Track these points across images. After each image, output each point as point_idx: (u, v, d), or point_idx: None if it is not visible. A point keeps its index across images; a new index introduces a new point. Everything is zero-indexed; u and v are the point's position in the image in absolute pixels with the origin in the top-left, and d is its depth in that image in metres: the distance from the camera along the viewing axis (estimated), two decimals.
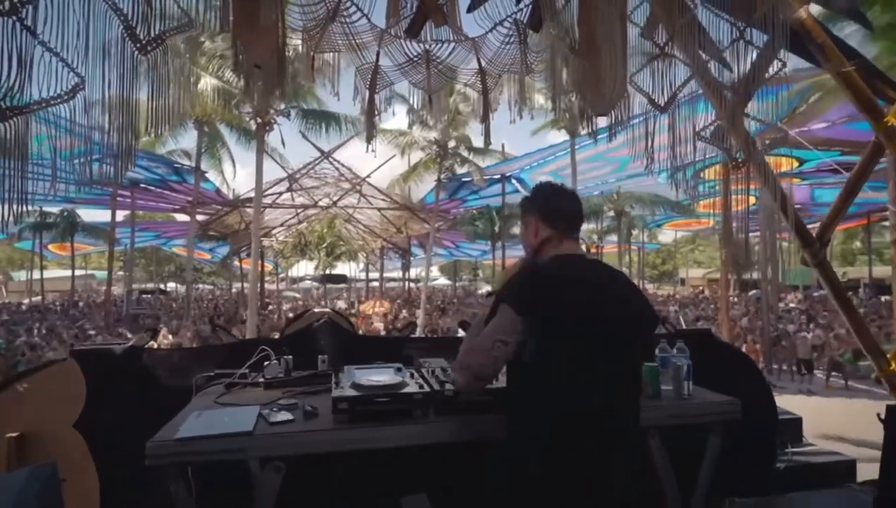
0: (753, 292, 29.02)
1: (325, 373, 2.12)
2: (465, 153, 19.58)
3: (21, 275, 40.14)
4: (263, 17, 2.79)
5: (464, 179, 19.45)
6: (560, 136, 16.44)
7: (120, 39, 2.36)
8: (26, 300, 29.43)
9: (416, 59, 3.63)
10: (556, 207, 1.54)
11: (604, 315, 1.39)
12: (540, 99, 14.18)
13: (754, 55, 3.19)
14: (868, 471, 3.75)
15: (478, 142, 20.02)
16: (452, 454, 2.10)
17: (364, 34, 3.47)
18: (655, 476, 1.79)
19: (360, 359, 2.00)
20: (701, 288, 37.69)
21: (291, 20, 3.17)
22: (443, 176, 19.33)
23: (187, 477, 1.43)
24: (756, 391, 2.91)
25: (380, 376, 1.75)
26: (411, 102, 17.18)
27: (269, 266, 31.90)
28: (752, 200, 3.58)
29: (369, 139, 3.60)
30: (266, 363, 2.09)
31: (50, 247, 28.42)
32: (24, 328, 16.60)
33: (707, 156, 3.30)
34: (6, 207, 2.07)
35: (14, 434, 2.28)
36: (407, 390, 1.63)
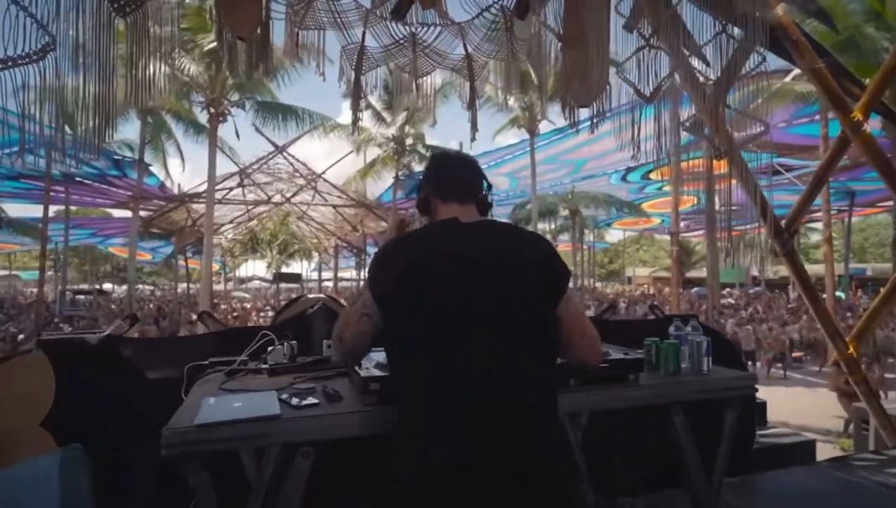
0: (696, 289, 30.56)
1: (332, 359, 2.01)
2: (422, 150, 19.51)
3: None
4: None
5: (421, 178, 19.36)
6: (519, 135, 16.67)
7: None
8: None
9: (402, 41, 3.54)
10: (436, 175, 1.47)
11: (465, 281, 1.23)
12: (509, 101, 14.27)
13: (733, 48, 3.30)
14: (825, 451, 3.98)
15: (437, 139, 20.03)
16: None
17: (350, 13, 3.35)
18: (679, 451, 1.79)
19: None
20: (646, 286, 39.28)
21: None
22: (400, 173, 19.17)
23: (210, 468, 1.29)
24: None
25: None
26: (369, 99, 17.00)
27: (215, 266, 30.61)
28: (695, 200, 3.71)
29: (355, 123, 3.48)
30: (270, 348, 1.95)
31: None
32: None
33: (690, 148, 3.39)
34: None
35: None
36: None
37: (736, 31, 3.26)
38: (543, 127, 14.43)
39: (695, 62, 3.42)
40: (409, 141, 19.57)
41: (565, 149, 15.14)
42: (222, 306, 23.61)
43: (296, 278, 24.59)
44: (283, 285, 24.77)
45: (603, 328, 2.84)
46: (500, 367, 1.20)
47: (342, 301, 2.74)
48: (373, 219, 22.50)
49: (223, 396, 1.54)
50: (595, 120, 3.63)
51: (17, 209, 22.89)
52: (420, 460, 1.16)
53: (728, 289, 30.61)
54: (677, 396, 1.77)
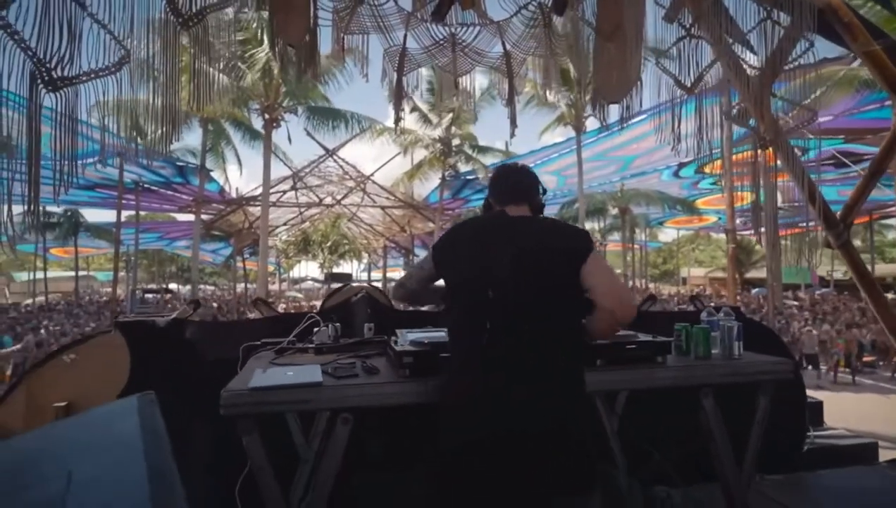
0: (756, 289, 29.11)
1: (372, 340, 2.14)
2: (469, 151, 19.63)
3: (23, 276, 40.12)
4: None
5: (468, 178, 19.46)
6: (565, 133, 16.49)
7: (163, 14, 2.39)
8: (28, 301, 29.38)
9: (442, 42, 3.66)
10: (496, 183, 1.70)
11: (498, 251, 1.44)
12: (548, 96, 14.19)
13: (780, 35, 3.22)
14: (890, 455, 3.78)
15: (484, 140, 20.10)
16: None
17: (391, 17, 3.50)
18: (710, 436, 1.81)
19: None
20: (702, 287, 37.75)
21: (322, 2, 3.19)
22: (447, 174, 19.36)
23: (261, 430, 1.45)
24: None
25: (435, 335, 1.77)
26: (414, 101, 17.29)
27: (270, 267, 31.88)
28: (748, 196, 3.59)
29: (397, 122, 3.63)
30: (316, 329, 2.11)
31: (52, 251, 28.47)
32: (31, 326, 16.59)
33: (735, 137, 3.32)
34: (57, 174, 2.11)
35: (62, 404, 2.30)
36: None
37: (782, 16, 3.18)
38: (591, 124, 14.25)
39: (738, 50, 3.35)
40: (455, 142, 19.74)
41: (614, 146, 14.84)
42: (280, 307, 24.59)
43: (347, 277, 25.23)
44: (334, 285, 25.49)
45: (641, 318, 2.87)
46: (527, 343, 1.38)
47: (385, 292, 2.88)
48: (420, 220, 22.81)
49: (274, 368, 1.70)
50: (625, 116, 3.63)
51: (94, 215, 24.72)
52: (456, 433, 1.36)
53: (791, 291, 28.94)
54: (706, 379, 1.79)
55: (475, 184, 19.85)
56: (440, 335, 1.79)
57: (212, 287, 45.11)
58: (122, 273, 27.08)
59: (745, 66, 3.38)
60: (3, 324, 18.60)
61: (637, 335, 1.84)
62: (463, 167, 19.78)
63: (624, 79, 3.57)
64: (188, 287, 33.21)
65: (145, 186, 17.76)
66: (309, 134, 16.59)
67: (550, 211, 23.42)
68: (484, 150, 20.31)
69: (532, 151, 16.63)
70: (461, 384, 1.40)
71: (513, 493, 1.30)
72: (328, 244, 22.72)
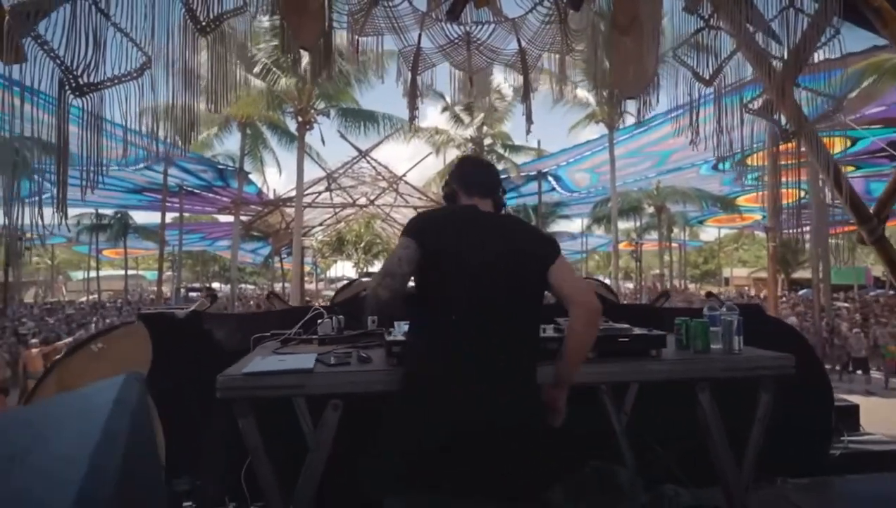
0: (804, 291, 27.82)
1: (376, 332, 2.20)
2: (500, 150, 19.56)
3: (79, 275, 42.39)
4: (311, 1, 2.92)
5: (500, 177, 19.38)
6: (599, 130, 16.21)
7: (182, 21, 2.52)
8: (83, 299, 31.07)
9: (456, 40, 3.70)
10: (466, 173, 1.72)
11: (476, 246, 1.46)
12: (580, 93, 14.01)
13: (805, 24, 3.10)
14: None
15: (517, 139, 20.01)
16: None
17: (406, 17, 3.56)
18: (706, 431, 1.78)
19: None
20: (746, 288, 36.38)
21: (337, 4, 3.28)
22: None
23: (256, 414, 1.52)
24: (809, 372, 2.82)
25: None
26: (447, 99, 17.37)
27: (307, 267, 32.62)
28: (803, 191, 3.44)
29: (412, 120, 3.69)
30: (319, 321, 2.19)
31: (105, 252, 30.03)
32: (84, 322, 17.53)
33: (755, 132, 3.21)
34: (84, 173, 2.25)
35: None
36: None
37: (806, 2, 3.07)
38: (625, 120, 13.93)
39: (760, 40, 3.24)
40: (487, 141, 19.72)
41: (650, 141, 14.48)
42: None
43: None
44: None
45: (654, 315, 2.83)
46: (489, 338, 1.42)
47: None
48: None
49: (272, 356, 1.78)
50: (642, 111, 3.57)
51: (141, 218, 25.93)
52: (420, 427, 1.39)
53: (843, 292, 27.51)
54: (703, 373, 1.76)
55: (507, 183, 19.77)
56: None
57: (252, 286, 46.49)
58: (168, 273, 28.30)
59: (768, 56, 3.27)
60: (60, 320, 19.76)
61: (632, 329, 1.83)
62: (497, 166, 19.72)
63: (641, 73, 3.52)
64: (229, 286, 34.37)
65: (188, 189, 18.54)
66: (342, 136, 16.91)
67: (583, 211, 23.07)
68: (517, 149, 20.21)
69: (564, 149, 16.43)
70: (425, 378, 1.41)
71: (478, 489, 1.31)
72: (362, 245, 23.05)
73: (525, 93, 3.79)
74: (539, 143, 19.56)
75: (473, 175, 1.69)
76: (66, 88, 2.22)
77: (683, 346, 1.89)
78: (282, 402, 2.00)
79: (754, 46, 3.29)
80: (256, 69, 11.90)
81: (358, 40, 3.43)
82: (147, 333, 2.49)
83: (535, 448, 1.39)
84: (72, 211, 24.40)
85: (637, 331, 1.81)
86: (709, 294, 3.09)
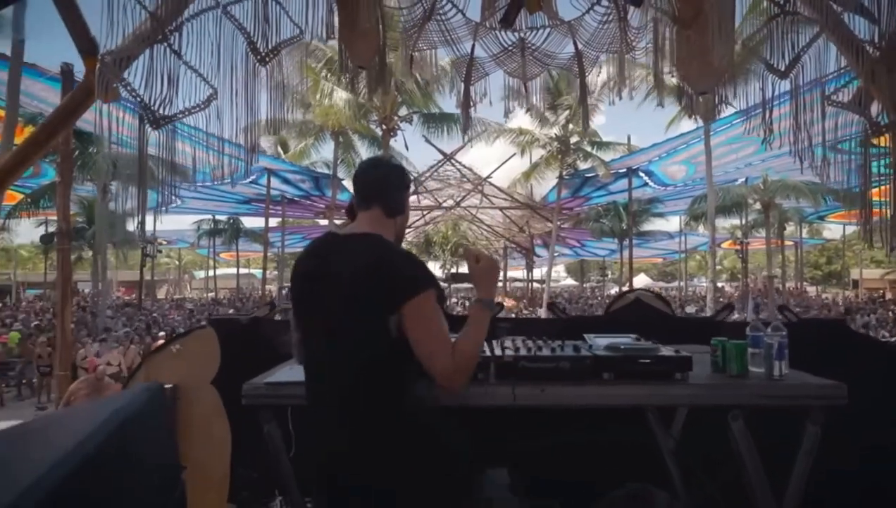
0: None
1: None
2: (588, 148, 18.96)
3: (201, 274, 47.35)
4: (362, 21, 3.06)
5: (587, 175, 18.79)
6: (693, 123, 15.12)
7: (244, 54, 2.77)
8: (203, 296, 34.66)
9: (510, 48, 3.68)
10: (353, 182, 1.66)
11: (312, 291, 1.47)
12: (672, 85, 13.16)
13: None
14: None
15: (605, 136, 19.31)
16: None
17: (459, 29, 3.61)
18: (741, 463, 1.65)
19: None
20: (881, 291, 32.06)
21: (391, 22, 3.41)
22: (565, 173, 18.89)
23: (281, 421, 1.66)
24: None
25: None
26: (533, 100, 17.14)
27: None
28: None
29: (465, 130, 3.74)
30: None
31: (221, 254, 33.38)
32: (203, 316, 19.55)
33: (840, 126, 2.86)
34: (160, 195, 2.56)
35: (169, 385, 2.77)
36: None
37: None
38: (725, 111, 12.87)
39: (847, 20, 2.89)
40: (573, 139, 19.20)
41: (753, 126, 13.24)
42: None
43: (468, 277, 25.84)
44: (456, 286, 26.30)
45: (716, 330, 2.65)
46: (326, 371, 1.45)
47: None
48: (538, 220, 22.56)
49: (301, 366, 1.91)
50: (719, 107, 3.33)
51: (251, 222, 28.47)
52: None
53: None
54: (735, 399, 1.64)
55: (595, 182, 19.12)
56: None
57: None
58: (276, 272, 30.68)
59: (857, 39, 2.90)
60: (184, 315, 22.24)
61: (658, 349, 1.74)
62: (583, 165, 19.16)
63: (707, 66, 3.29)
64: None
65: (289, 198, 20.15)
66: (427, 140, 17.36)
67: (680, 206, 21.59)
68: (605, 145, 19.49)
69: (655, 143, 15.57)
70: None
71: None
72: (448, 246, 23.46)
73: (582, 96, 3.69)
74: (629, 138, 18.71)
75: (354, 183, 1.61)
76: (145, 121, 2.54)
77: (720, 369, 1.76)
78: None
79: (840, 29, 2.94)
80: (342, 81, 12.58)
81: (412, 56, 3.53)
82: (215, 336, 2.76)
83: (360, 476, 1.37)
84: (192, 217, 27.44)
85: (663, 352, 1.72)
86: (782, 308, 2.82)
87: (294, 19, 2.90)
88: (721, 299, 26.68)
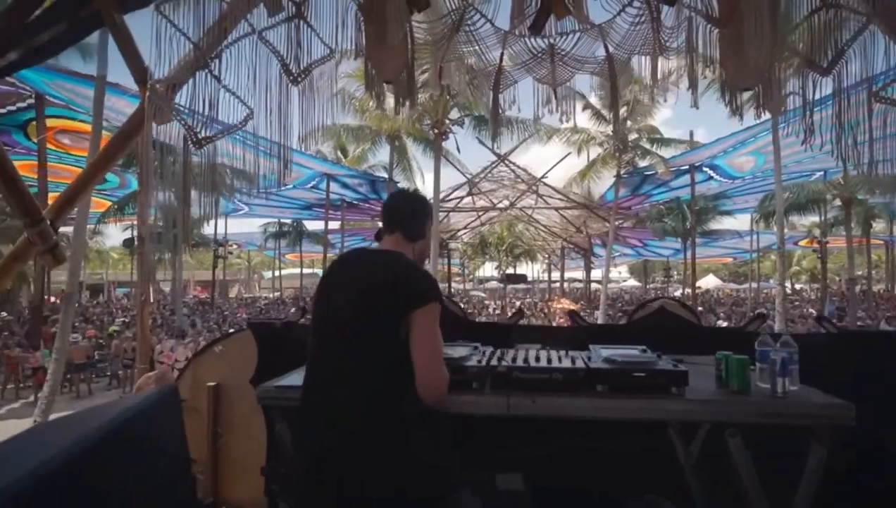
0: None
1: None
2: (647, 145, 18.30)
3: (269, 274, 49.83)
4: (391, 37, 3.17)
5: (647, 173, 18.12)
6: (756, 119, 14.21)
7: (277, 75, 2.96)
8: (270, 295, 36.47)
9: (539, 54, 3.69)
10: (382, 210, 1.82)
11: (334, 298, 1.61)
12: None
13: None
14: None
15: (673, 130, 18.55)
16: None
17: (488, 38, 3.65)
18: (739, 481, 1.61)
19: (469, 341, 2.18)
20: None
21: (419, 35, 3.51)
22: (623, 171, 18.34)
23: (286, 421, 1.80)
24: None
25: (454, 351, 1.92)
26: (588, 98, 16.80)
27: (455, 268, 34.07)
28: None
29: (494, 137, 3.77)
30: None
31: (286, 256, 35.06)
32: (267, 316, 20.63)
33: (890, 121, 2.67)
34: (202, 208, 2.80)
35: (212, 384, 3.01)
36: (467, 363, 1.78)
37: None
38: (791, 102, 12.04)
39: None
40: (632, 136, 18.60)
41: (827, 115, 12.27)
42: (461, 305, 26.23)
43: (522, 278, 25.71)
44: (511, 286, 26.21)
45: (745, 341, 2.57)
46: (341, 382, 1.53)
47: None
48: (596, 220, 22.03)
49: None
50: (763, 104, 3.19)
51: (313, 226, 29.74)
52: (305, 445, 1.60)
53: None
54: (732, 417, 1.60)
55: (655, 179, 18.39)
56: (462, 351, 1.94)
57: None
58: None
59: None
60: (251, 313, 23.54)
61: (656, 362, 1.73)
62: (643, 162, 18.51)
63: (745, 65, 3.16)
64: None
65: (348, 202, 20.88)
66: (481, 142, 17.38)
67: (749, 203, 20.29)
68: (665, 142, 18.74)
69: (719, 138, 14.79)
70: (302, 401, 1.64)
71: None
72: (504, 247, 23.38)
73: (613, 100, 3.63)
74: (692, 134, 17.86)
75: (383, 211, 1.81)
76: (189, 142, 2.79)
77: (723, 384, 1.73)
78: None
79: (892, 17, 2.74)
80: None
81: (441, 67, 3.62)
82: (253, 338, 2.97)
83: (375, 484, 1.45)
84: (258, 220, 29.02)
85: (660, 365, 1.71)
86: (820, 319, 2.67)
87: (325, 40, 3.07)
88: (797, 303, 24.89)
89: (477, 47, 3.64)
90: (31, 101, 13.22)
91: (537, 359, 1.83)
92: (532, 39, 3.69)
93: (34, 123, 13.61)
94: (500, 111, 3.72)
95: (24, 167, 16.31)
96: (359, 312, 1.54)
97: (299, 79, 3.02)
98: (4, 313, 21.02)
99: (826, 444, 1.56)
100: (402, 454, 1.46)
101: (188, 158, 2.80)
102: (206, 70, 2.80)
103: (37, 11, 2.82)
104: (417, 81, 3.51)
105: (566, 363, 1.77)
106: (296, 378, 1.88)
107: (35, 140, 13.79)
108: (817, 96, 2.88)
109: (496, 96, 3.70)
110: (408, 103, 3.46)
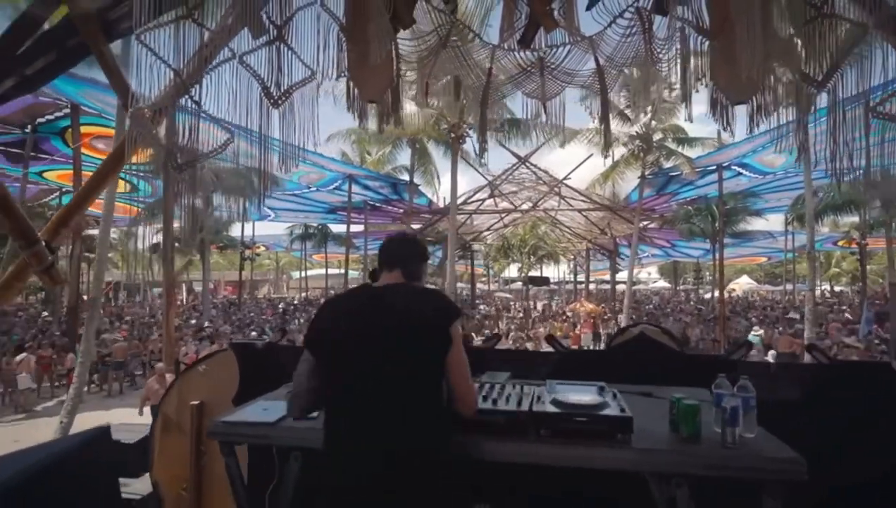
0: None
1: None
2: (672, 145, 17.85)
3: (297, 274, 50.72)
4: (373, 55, 3.16)
5: (672, 173, 17.66)
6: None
7: (258, 98, 2.98)
8: (297, 296, 37.12)
9: (529, 68, 3.62)
10: (379, 251, 1.84)
11: (357, 337, 1.56)
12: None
13: None
14: None
15: (703, 129, 18.06)
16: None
17: (476, 53, 3.61)
18: None
19: None
20: None
21: (405, 53, 3.49)
22: (647, 172, 17.93)
23: (234, 454, 1.81)
24: None
25: None
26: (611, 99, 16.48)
27: (480, 270, 34.00)
28: None
29: (482, 152, 3.72)
30: None
31: (313, 257, 35.70)
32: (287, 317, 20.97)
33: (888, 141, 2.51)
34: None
35: (196, 402, 3.06)
36: None
37: None
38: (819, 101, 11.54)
39: None
40: (656, 137, 18.17)
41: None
42: (482, 306, 26.17)
43: (544, 281, 25.45)
44: (534, 288, 25.97)
45: (728, 370, 2.47)
46: (375, 413, 1.48)
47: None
48: (620, 221, 21.62)
49: (273, 401, 2.05)
50: (756, 119, 3.05)
51: (337, 228, 30.15)
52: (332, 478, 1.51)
53: None
54: (678, 467, 1.52)
55: (681, 179, 17.90)
56: None
57: (432, 286, 50.01)
58: (360, 273, 32.18)
59: None
60: (277, 314, 24.00)
61: (601, 408, 1.66)
62: (667, 163, 18.05)
63: (736, 77, 3.03)
64: None
65: (371, 204, 21.09)
66: (501, 144, 17.27)
67: (782, 201, 19.50)
68: (692, 141, 18.23)
69: (747, 137, 14.28)
70: (325, 444, 1.56)
71: None
72: (526, 249, 23.19)
73: (604, 114, 3.53)
74: (720, 133, 17.28)
75: (381, 251, 1.82)
76: (170, 166, 2.83)
77: (675, 429, 1.65)
78: None
79: (892, 26, 2.58)
80: (411, 93, 12.90)
81: (427, 83, 3.59)
82: (234, 359, 3.01)
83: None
84: (285, 223, 29.62)
85: (606, 411, 1.64)
86: (810, 348, 2.54)
87: (306, 62, 3.08)
88: (835, 306, 23.86)
89: (465, 62, 3.60)
90: (68, 110, 13.84)
91: (485, 398, 1.78)
92: (521, 53, 3.63)
93: (71, 129, 14.26)
94: (488, 127, 3.66)
95: (65, 177, 17.08)
96: (396, 348, 1.54)
97: (279, 102, 3.04)
98: (45, 313, 21.99)
99: (779, 497, 1.47)
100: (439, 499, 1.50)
101: (168, 184, 2.85)
102: (187, 95, 2.85)
103: (27, 42, 2.93)
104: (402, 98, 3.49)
105: (511, 405, 1.72)
106: (244, 412, 1.89)
107: (72, 146, 14.42)
108: (811, 111, 2.73)
109: (483, 112, 3.65)
110: (392, 121, 3.44)
